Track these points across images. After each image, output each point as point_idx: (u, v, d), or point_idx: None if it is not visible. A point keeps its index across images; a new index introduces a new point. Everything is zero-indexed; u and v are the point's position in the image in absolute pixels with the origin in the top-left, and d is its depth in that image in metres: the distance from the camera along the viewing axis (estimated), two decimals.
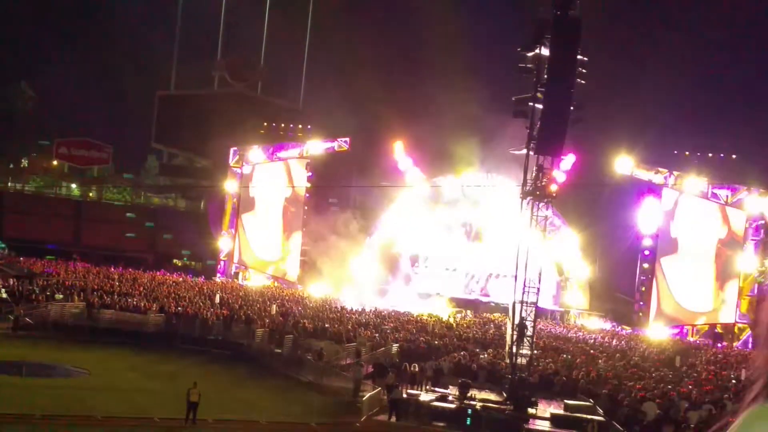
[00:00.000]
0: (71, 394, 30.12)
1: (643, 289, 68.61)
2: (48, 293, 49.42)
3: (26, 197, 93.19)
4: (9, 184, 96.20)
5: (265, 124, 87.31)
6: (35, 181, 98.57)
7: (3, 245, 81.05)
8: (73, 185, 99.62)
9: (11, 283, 51.39)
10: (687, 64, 75.66)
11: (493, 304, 69.61)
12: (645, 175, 68.64)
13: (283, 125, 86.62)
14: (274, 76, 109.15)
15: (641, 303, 69.04)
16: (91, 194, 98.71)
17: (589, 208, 66.58)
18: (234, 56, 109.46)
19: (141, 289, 56.15)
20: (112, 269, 68.31)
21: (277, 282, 77.00)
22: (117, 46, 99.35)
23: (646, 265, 68.61)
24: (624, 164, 67.38)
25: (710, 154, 70.39)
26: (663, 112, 70.96)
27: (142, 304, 48.71)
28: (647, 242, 68.23)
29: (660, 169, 68.27)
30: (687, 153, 70.31)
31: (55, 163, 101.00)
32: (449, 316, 61.33)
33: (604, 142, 66.85)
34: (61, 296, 49.21)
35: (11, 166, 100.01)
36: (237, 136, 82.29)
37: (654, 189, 68.65)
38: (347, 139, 76.71)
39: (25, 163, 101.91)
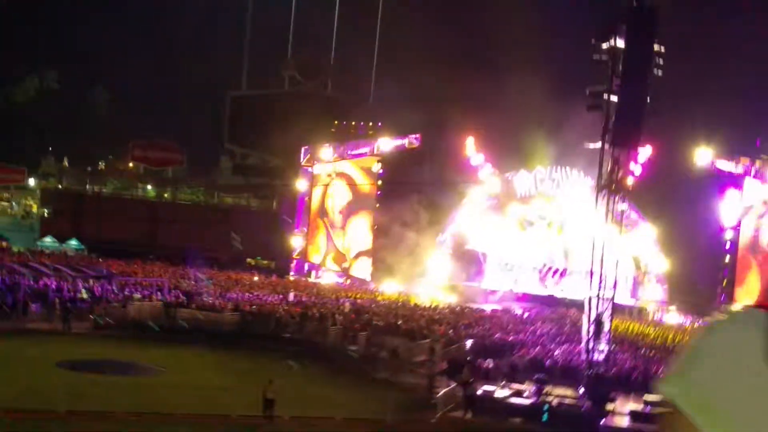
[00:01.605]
0: (151, 392, 30.59)
1: (725, 282, 67.09)
2: (126, 293, 50.36)
3: (104, 199, 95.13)
4: (87, 186, 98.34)
5: (336, 122, 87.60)
6: (112, 183, 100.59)
7: (82, 246, 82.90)
8: (149, 186, 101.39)
9: (91, 283, 52.48)
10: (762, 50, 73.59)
11: (568, 300, 68.71)
12: (725, 165, 67.06)
13: (353, 123, 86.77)
14: (344, 73, 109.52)
15: (723, 296, 67.50)
16: (166, 195, 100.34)
17: (667, 201, 65.22)
18: (304, 55, 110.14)
19: (216, 288, 56.85)
20: (188, 268, 69.33)
21: (350, 280, 77.27)
22: (188, 47, 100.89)
23: (727, 259, 67.08)
24: (703, 155, 65.90)
25: None
26: (744, 100, 69.02)
27: (218, 303, 49.30)
28: (728, 234, 66.67)
29: (742, 159, 66.60)
30: None
31: (131, 165, 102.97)
32: (522, 312, 60.82)
33: (682, 132, 65.37)
34: (139, 296, 50.09)
35: (89, 168, 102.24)
36: (308, 135, 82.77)
37: (735, 180, 67.03)
38: (418, 135, 76.53)
39: (102, 165, 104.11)
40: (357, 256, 79.84)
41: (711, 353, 1.25)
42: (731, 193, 67.24)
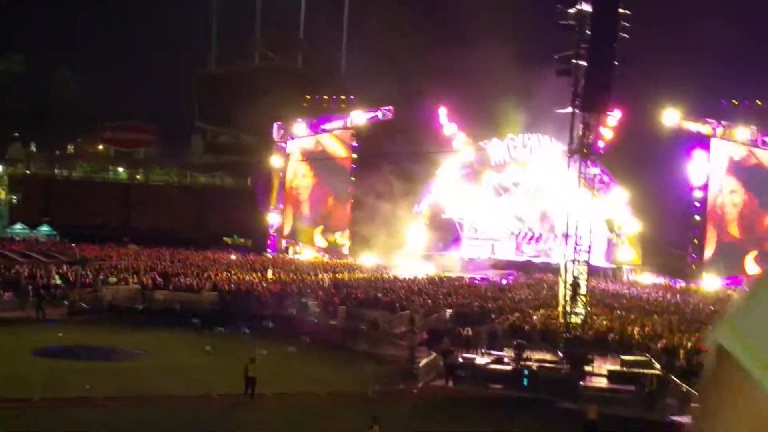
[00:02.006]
0: (130, 376, 30.47)
1: (696, 241, 67.67)
2: (101, 277, 50.03)
3: (74, 183, 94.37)
4: (57, 171, 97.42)
5: (308, 97, 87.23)
6: (82, 166, 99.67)
7: (54, 232, 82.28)
8: (120, 169, 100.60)
9: (65, 268, 52.10)
10: (732, 9, 73.88)
11: (544, 265, 69.16)
12: (693, 126, 67.49)
13: (326, 97, 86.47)
14: (314, 47, 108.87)
15: (694, 255, 68.12)
16: (138, 177, 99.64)
17: (637, 164, 65.63)
18: (273, 30, 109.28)
19: (193, 268, 56.63)
20: (163, 250, 69.04)
21: (328, 254, 77.27)
22: (156, 26, 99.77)
23: (697, 217, 67.59)
24: (671, 117, 66.23)
25: (758, 102, 68.78)
26: (709, 60, 69.35)
27: (195, 283, 49.12)
28: (698, 194, 67.17)
29: (708, 120, 67.04)
30: (735, 102, 68.74)
31: (101, 147, 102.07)
32: (501, 279, 61.13)
33: (651, 95, 65.70)
34: (114, 279, 49.78)
35: (57, 152, 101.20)
36: (280, 111, 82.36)
37: (702, 140, 67.51)
38: (391, 107, 76.40)
39: (71, 149, 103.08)
40: (334, 229, 79.78)
41: (763, 303, 1.27)
42: (699, 153, 67.73)
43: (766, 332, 1.22)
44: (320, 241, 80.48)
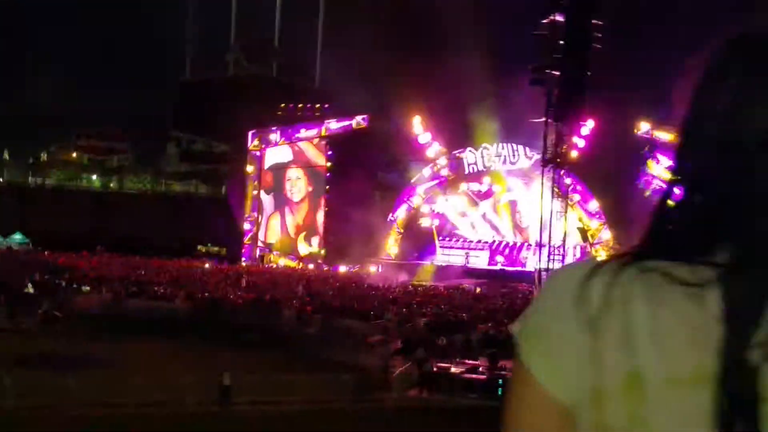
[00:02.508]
0: (103, 386, 30.24)
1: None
2: (74, 286, 49.67)
3: (47, 191, 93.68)
4: (30, 179, 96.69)
5: (283, 105, 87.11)
6: (55, 174, 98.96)
7: (26, 240, 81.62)
8: (94, 176, 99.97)
9: (37, 277, 51.68)
10: (704, 21, 74.64)
11: (518, 274, 69.38)
12: (665, 135, 68.07)
13: (300, 105, 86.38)
14: (289, 56, 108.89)
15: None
16: (111, 185, 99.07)
17: (610, 173, 66.04)
18: (248, 38, 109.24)
19: (167, 276, 56.39)
20: (137, 258, 68.69)
21: (302, 262, 77.17)
22: (131, 34, 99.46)
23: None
24: (643, 126, 66.75)
25: None
26: (683, 68, 70.04)
27: (169, 292, 48.88)
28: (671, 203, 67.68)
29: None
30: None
31: (74, 155, 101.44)
32: (475, 288, 61.27)
33: (623, 105, 66.19)
34: (87, 288, 49.45)
35: (31, 160, 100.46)
36: (255, 119, 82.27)
37: (665, 146, 68.08)
38: (365, 116, 76.51)
39: (44, 156, 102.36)
40: (308, 238, 79.72)
41: (545, 293, 1.36)
42: (663, 158, 68.25)
43: (539, 319, 1.34)
44: (303, 249, 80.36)
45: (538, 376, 1.32)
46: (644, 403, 1.20)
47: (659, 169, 67.62)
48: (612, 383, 1.23)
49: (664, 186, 1.38)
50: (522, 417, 1.37)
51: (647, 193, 66.15)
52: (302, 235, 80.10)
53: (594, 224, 72.37)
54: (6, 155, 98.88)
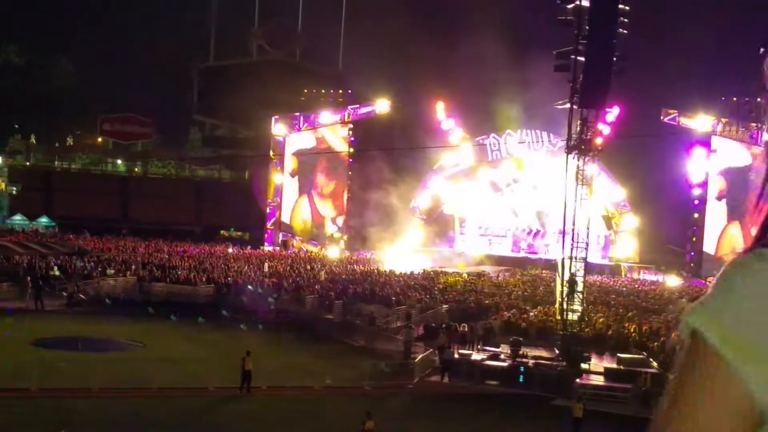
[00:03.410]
0: (127, 367, 30.53)
1: (694, 239, 67.70)
2: (99, 269, 50.09)
3: (73, 175, 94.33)
4: (56, 162, 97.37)
5: (306, 90, 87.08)
6: (81, 158, 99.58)
7: (53, 223, 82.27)
8: (119, 161, 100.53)
9: (63, 260, 52.14)
10: (735, 5, 73.81)
11: (542, 261, 69.16)
12: (692, 123, 67.48)
13: (323, 91, 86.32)
14: (312, 41, 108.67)
15: (692, 253, 68.15)
16: (136, 169, 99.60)
17: (635, 160, 65.56)
18: (271, 23, 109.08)
19: (190, 261, 56.65)
20: (161, 242, 69.07)
21: (325, 248, 77.27)
22: (155, 18, 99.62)
23: (696, 215, 67.65)
24: (670, 114, 66.24)
25: (759, 99, 68.67)
26: (710, 57, 69.35)
27: (192, 276, 49.15)
28: (696, 192, 67.24)
29: (707, 117, 66.99)
30: (735, 99, 68.60)
31: (99, 139, 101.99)
32: (498, 275, 61.16)
33: (650, 92, 65.64)
34: (112, 271, 49.85)
35: (57, 144, 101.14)
36: (278, 104, 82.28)
37: (701, 138, 67.51)
38: (388, 101, 76.34)
39: (70, 141, 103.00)
40: (331, 224, 79.81)
41: (747, 291, 1.25)
42: (698, 150, 67.72)
43: (743, 321, 1.22)
44: (325, 234, 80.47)
45: (750, 385, 1.22)
46: None
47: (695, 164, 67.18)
48: None
49: None
50: (710, 422, 1.26)
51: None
52: (325, 220, 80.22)
53: (619, 212, 72.00)
54: (32, 139, 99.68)
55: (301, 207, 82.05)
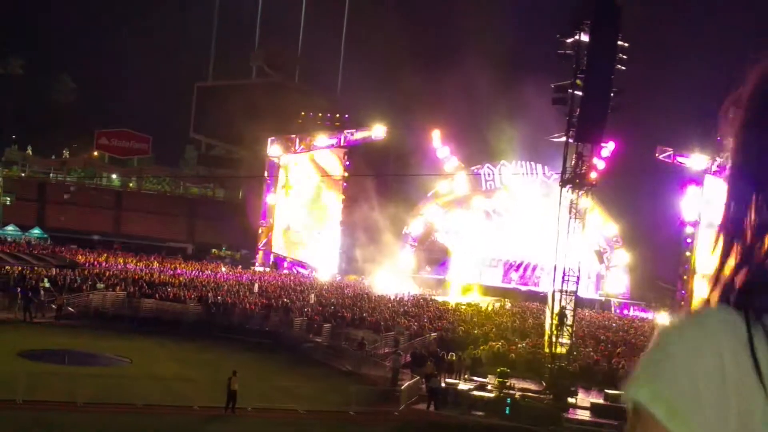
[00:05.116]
0: (113, 383, 30.37)
1: (685, 277, 67.82)
2: (90, 283, 49.94)
3: (67, 188, 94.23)
4: (51, 175, 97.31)
5: (303, 113, 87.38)
6: (76, 172, 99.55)
7: (45, 235, 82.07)
8: (114, 176, 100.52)
9: (54, 272, 51.95)
10: (729, 47, 74.34)
11: (531, 294, 69.16)
12: (687, 161, 67.78)
13: (320, 114, 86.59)
14: (311, 65, 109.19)
15: (683, 291, 68.26)
16: (131, 185, 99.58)
17: (629, 196, 65.89)
18: (271, 46, 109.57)
19: (181, 278, 56.54)
20: (153, 258, 68.94)
21: (315, 271, 77.15)
22: (155, 37, 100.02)
23: (688, 254, 67.80)
24: (664, 152, 66.56)
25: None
26: (706, 95, 69.87)
27: (182, 294, 49.02)
28: (689, 230, 67.43)
29: (702, 156, 67.29)
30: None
31: (95, 153, 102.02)
32: (487, 306, 61.10)
33: (645, 129, 66.03)
34: (102, 286, 49.69)
35: (53, 157, 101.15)
36: (275, 126, 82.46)
37: (695, 176, 67.76)
38: (384, 127, 76.57)
39: (66, 154, 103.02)
40: (322, 247, 79.73)
41: (685, 355, 1.22)
42: (692, 189, 67.95)
43: (686, 393, 1.18)
44: (308, 258, 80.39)
45: None
46: None
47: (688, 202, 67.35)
48: None
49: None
50: None
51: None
52: (314, 243, 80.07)
53: (611, 247, 72.13)
54: (29, 151, 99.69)
55: (293, 229, 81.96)
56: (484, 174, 75.42)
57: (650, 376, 1.24)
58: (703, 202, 68.11)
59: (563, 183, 37.65)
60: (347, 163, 79.43)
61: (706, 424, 1.17)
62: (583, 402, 33.80)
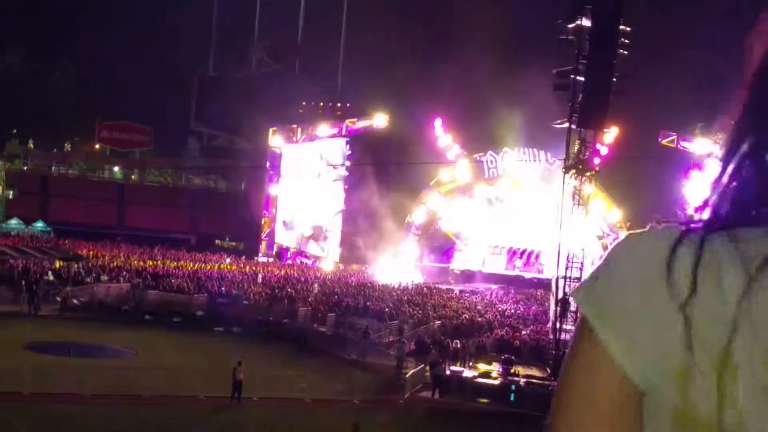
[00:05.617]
0: (119, 374, 30.47)
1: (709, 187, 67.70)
2: (93, 275, 50.04)
3: (70, 181, 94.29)
4: (53, 168, 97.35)
5: (304, 103, 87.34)
6: (78, 164, 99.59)
7: (48, 228, 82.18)
8: (116, 168, 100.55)
9: (58, 265, 52.08)
10: (735, 26, 74.10)
11: (535, 281, 69.15)
12: (690, 146, 67.67)
13: (321, 104, 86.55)
14: (312, 55, 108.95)
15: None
16: (133, 177, 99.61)
17: (632, 181, 65.72)
18: (272, 36, 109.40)
19: (184, 270, 56.63)
20: (156, 250, 69.02)
21: (318, 261, 77.24)
22: (156, 28, 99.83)
23: None
24: (668, 136, 66.44)
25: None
26: (710, 79, 69.63)
27: (186, 285, 49.10)
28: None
29: (706, 140, 67.18)
30: (733, 122, 68.70)
31: (97, 146, 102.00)
32: (491, 292, 61.21)
33: (648, 113, 65.86)
34: (106, 278, 49.80)
35: (55, 150, 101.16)
36: (276, 116, 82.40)
37: (699, 161, 67.66)
38: (386, 116, 76.46)
39: (68, 147, 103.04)
40: (325, 236, 79.78)
41: (618, 263, 1.29)
42: (696, 174, 67.83)
43: (613, 294, 1.25)
44: (314, 249, 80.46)
45: (613, 353, 1.23)
46: (736, 382, 1.14)
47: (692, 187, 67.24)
48: (703, 362, 1.17)
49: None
50: (583, 397, 1.28)
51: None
52: (319, 233, 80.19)
53: (615, 233, 72.03)
54: (31, 144, 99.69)
55: (295, 219, 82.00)
56: (487, 161, 75.21)
57: (588, 279, 1.31)
58: (706, 185, 67.99)
59: (566, 169, 37.61)
60: (349, 152, 79.36)
61: (629, 327, 1.23)
62: None
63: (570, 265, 36.69)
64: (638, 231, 1.34)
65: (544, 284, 59.53)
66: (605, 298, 1.26)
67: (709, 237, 1.24)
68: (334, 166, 79.86)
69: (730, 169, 1.33)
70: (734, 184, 1.31)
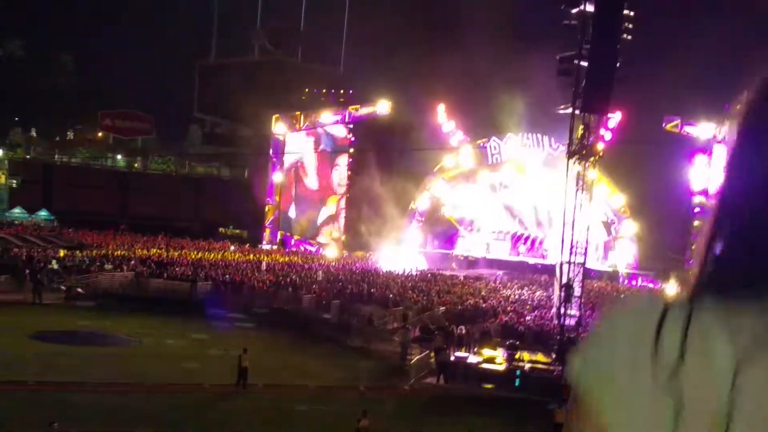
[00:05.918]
0: (123, 362, 30.52)
1: (694, 247, 67.66)
2: (97, 263, 50.07)
3: (73, 169, 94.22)
4: (56, 157, 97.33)
5: (307, 90, 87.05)
6: (81, 153, 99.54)
7: (52, 217, 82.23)
8: (119, 156, 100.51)
9: (62, 254, 52.12)
10: (738, 10, 73.80)
11: (539, 266, 69.11)
12: (694, 131, 67.49)
13: (324, 91, 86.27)
14: (314, 41, 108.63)
15: (692, 261, 68.06)
16: (136, 165, 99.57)
17: (636, 167, 65.54)
18: (274, 23, 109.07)
19: (188, 257, 56.64)
20: (160, 238, 69.04)
21: (323, 248, 77.24)
22: (157, 16, 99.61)
23: (696, 223, 67.60)
24: (672, 121, 66.25)
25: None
26: (713, 63, 69.29)
27: (190, 273, 49.11)
28: (698, 199, 67.25)
29: (709, 124, 66.97)
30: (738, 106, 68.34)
31: (99, 135, 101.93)
32: (495, 278, 61.17)
33: (652, 98, 65.61)
34: (110, 266, 49.82)
35: (57, 138, 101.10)
36: (279, 104, 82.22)
37: (703, 145, 67.49)
38: (389, 103, 76.27)
39: (71, 135, 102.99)
40: (329, 223, 79.78)
41: (610, 337, 1.27)
42: (700, 158, 67.69)
43: (607, 367, 1.25)
44: (324, 234, 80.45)
45: (613, 424, 1.24)
46: None
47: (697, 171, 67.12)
48: None
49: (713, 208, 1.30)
50: None
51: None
52: (323, 220, 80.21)
53: (619, 218, 71.94)
54: (33, 132, 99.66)
55: (299, 206, 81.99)
56: (490, 147, 75.02)
57: (578, 359, 1.30)
58: (712, 171, 67.91)
59: (570, 155, 37.50)
60: (352, 138, 79.23)
61: (621, 407, 1.23)
62: None
63: (574, 250, 36.62)
64: (623, 308, 1.32)
65: (549, 269, 59.46)
66: (595, 379, 1.26)
67: (696, 307, 1.22)
68: (338, 153, 79.80)
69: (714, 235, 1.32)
70: (720, 247, 1.30)
